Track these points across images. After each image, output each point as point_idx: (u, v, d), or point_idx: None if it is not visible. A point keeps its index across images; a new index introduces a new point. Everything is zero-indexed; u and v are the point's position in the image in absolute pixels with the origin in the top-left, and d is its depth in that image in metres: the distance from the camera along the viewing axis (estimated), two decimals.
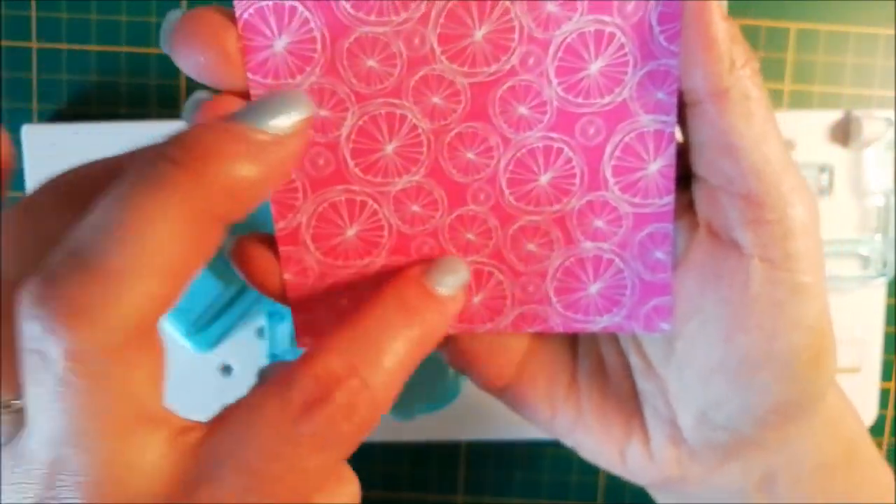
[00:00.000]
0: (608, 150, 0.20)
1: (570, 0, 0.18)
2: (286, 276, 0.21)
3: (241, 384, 0.35)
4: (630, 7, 0.18)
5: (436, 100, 0.19)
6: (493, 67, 0.19)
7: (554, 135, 0.20)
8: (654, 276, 0.21)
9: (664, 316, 0.21)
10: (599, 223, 0.20)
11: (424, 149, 0.20)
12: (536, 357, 0.23)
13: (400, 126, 0.20)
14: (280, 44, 0.19)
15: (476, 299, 0.21)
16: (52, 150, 0.34)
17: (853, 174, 0.34)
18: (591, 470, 0.38)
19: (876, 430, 0.36)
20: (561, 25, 0.19)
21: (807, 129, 0.34)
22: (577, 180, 0.20)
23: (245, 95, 0.19)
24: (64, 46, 0.36)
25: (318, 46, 0.19)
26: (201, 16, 0.18)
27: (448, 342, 0.22)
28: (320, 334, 0.21)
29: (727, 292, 0.19)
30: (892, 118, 0.33)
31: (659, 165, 0.20)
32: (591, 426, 0.22)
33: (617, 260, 0.21)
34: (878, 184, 0.34)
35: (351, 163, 0.20)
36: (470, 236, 0.21)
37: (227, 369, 0.35)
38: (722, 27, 0.18)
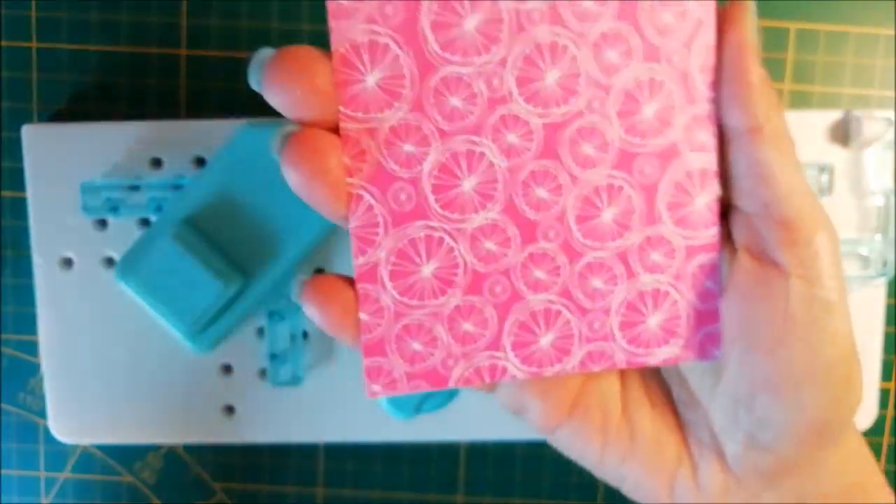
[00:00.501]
0: (662, 187, 0.21)
1: (627, 49, 0.20)
2: (362, 315, 0.21)
3: (242, 384, 0.35)
4: (675, 58, 0.20)
5: (512, 138, 0.20)
6: (563, 109, 0.20)
7: (616, 173, 0.21)
8: (704, 304, 0.22)
9: (715, 343, 0.22)
10: (657, 256, 0.21)
11: (500, 185, 0.21)
12: (590, 390, 0.23)
13: (478, 163, 0.20)
14: (372, 79, 0.20)
15: (545, 340, 0.22)
16: (52, 150, 0.34)
17: (853, 174, 0.34)
18: (591, 471, 0.38)
19: (875, 430, 0.36)
20: (620, 72, 0.20)
21: (807, 129, 0.34)
22: (637, 216, 0.21)
23: (333, 128, 0.20)
24: (64, 46, 0.36)
25: (408, 83, 0.20)
26: (295, 52, 0.19)
27: (501, 386, 0.23)
28: (390, 381, 0.21)
29: (770, 311, 0.21)
30: (892, 118, 0.33)
31: (705, 199, 0.21)
32: (642, 458, 0.23)
33: (672, 291, 0.22)
34: (878, 184, 0.34)
35: (431, 198, 0.20)
36: (540, 274, 0.21)
37: (227, 369, 0.35)
38: (759, 74, 0.20)
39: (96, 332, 0.35)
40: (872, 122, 0.33)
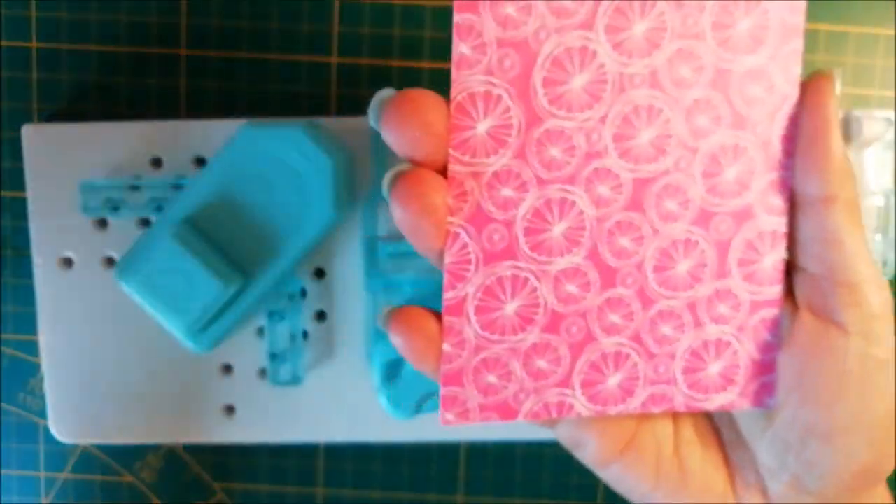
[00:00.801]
0: (734, 244, 0.23)
1: (716, 116, 0.22)
2: (445, 346, 0.22)
3: (242, 383, 0.35)
4: (759, 127, 0.22)
5: (602, 189, 0.22)
6: (653, 166, 0.22)
7: (694, 228, 0.22)
8: (762, 356, 0.23)
9: (770, 392, 0.23)
10: (723, 308, 0.23)
11: (587, 233, 0.22)
12: (645, 430, 0.24)
13: (569, 210, 0.22)
14: (483, 126, 0.21)
15: (613, 381, 0.23)
16: (52, 150, 0.34)
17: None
18: (591, 470, 0.38)
19: None
20: (708, 136, 0.22)
21: None
22: (709, 270, 0.23)
23: (440, 169, 0.21)
24: (64, 46, 0.36)
25: (514, 132, 0.21)
26: (414, 95, 0.20)
27: (563, 422, 0.24)
28: (464, 410, 0.22)
29: (827, 366, 0.22)
30: (892, 118, 0.33)
31: (773, 259, 0.23)
32: (691, 497, 0.24)
33: (734, 342, 0.23)
34: (879, 184, 0.34)
35: (522, 240, 0.22)
36: (615, 318, 0.22)
37: (227, 368, 0.35)
38: (839, 146, 0.21)
39: (96, 332, 0.35)
40: (872, 122, 0.33)
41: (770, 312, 0.23)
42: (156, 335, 0.34)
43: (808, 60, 0.36)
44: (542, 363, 0.22)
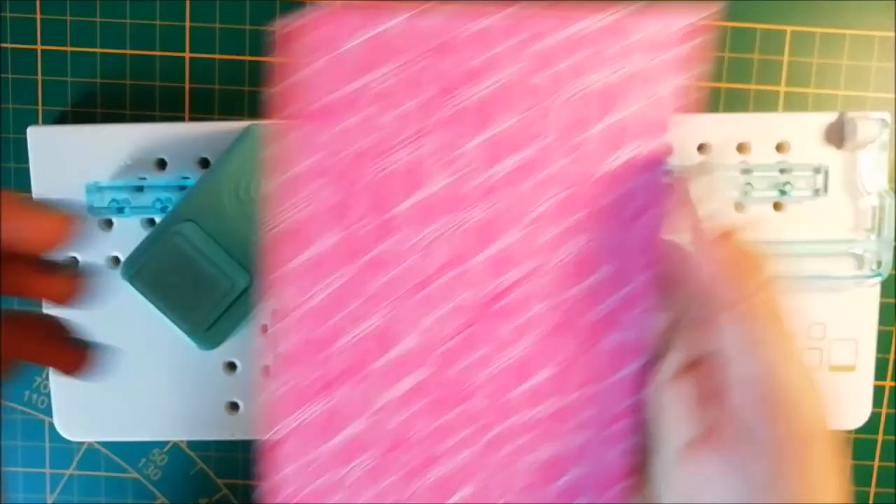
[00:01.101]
0: (591, 355, 0.22)
1: (567, 227, 0.21)
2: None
3: (246, 381, 0.35)
4: (614, 235, 0.21)
5: (441, 313, 0.21)
6: (496, 283, 0.21)
7: (545, 340, 0.22)
8: (622, 461, 0.22)
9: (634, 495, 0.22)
10: (585, 416, 0.22)
11: (426, 356, 0.21)
12: None
13: (405, 335, 0.21)
14: (301, 258, 0.21)
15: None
16: (57, 151, 0.34)
17: (848, 175, 0.34)
18: None
19: (869, 427, 0.36)
20: (557, 249, 0.21)
21: (802, 130, 0.34)
22: (563, 382, 0.22)
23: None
24: (69, 49, 0.36)
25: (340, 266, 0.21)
26: None
27: None
28: None
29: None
30: (887, 120, 0.33)
31: (631, 369, 0.22)
32: None
33: (593, 448, 0.22)
34: (873, 184, 0.34)
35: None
36: (451, 442, 0.22)
37: (231, 366, 0.35)
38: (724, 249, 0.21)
39: (101, 331, 0.35)
40: (867, 124, 0.33)
41: (630, 420, 0.22)
42: (160, 333, 0.34)
43: (804, 63, 0.36)
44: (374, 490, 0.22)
